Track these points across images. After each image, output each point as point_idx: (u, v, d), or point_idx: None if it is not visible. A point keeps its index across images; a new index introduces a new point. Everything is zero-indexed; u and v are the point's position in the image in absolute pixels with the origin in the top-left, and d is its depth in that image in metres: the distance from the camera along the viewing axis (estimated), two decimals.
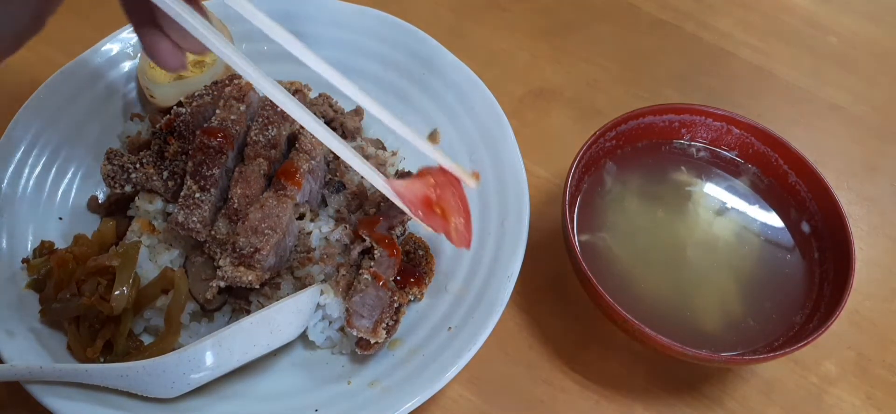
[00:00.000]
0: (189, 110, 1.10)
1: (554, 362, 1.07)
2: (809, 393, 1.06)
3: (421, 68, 1.26)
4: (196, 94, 1.14)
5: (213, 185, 1.02)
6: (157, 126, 1.12)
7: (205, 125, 1.07)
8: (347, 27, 1.29)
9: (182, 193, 1.01)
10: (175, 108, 1.15)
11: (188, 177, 1.02)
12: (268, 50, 1.30)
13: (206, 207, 1.01)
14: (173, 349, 0.97)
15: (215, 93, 1.12)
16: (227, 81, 1.14)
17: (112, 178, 1.06)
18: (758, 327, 1.01)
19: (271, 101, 1.10)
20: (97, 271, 0.98)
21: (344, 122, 1.21)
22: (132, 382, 0.92)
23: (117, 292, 0.96)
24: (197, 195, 1.01)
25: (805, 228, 1.10)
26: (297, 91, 1.17)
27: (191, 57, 1.22)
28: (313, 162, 1.06)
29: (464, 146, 1.19)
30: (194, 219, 1.00)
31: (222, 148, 1.03)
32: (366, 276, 1.00)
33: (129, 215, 1.09)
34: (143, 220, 1.05)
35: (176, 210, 1.01)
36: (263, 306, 1.00)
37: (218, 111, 1.08)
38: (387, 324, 0.98)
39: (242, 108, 1.09)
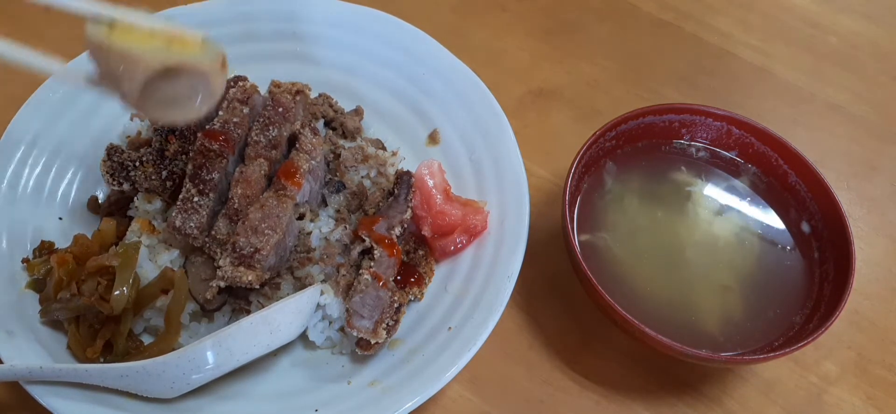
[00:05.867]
0: None
1: (554, 362, 1.07)
2: (809, 393, 1.06)
3: (421, 68, 1.26)
4: None
5: (211, 190, 1.02)
6: (158, 124, 1.12)
7: (206, 126, 1.07)
8: (347, 27, 1.29)
9: (180, 196, 1.01)
10: None
11: (187, 179, 1.02)
12: (268, 50, 1.30)
13: (204, 213, 1.00)
14: (173, 349, 0.97)
15: None
16: (231, 82, 1.13)
17: (111, 174, 1.06)
18: (758, 327, 1.01)
19: (273, 102, 1.10)
20: (97, 271, 0.98)
21: (344, 122, 1.21)
22: (132, 382, 0.92)
23: (117, 292, 0.96)
24: (195, 199, 1.01)
25: (805, 227, 1.10)
26: (298, 91, 1.17)
27: None
28: (313, 162, 1.06)
29: (464, 146, 1.19)
30: (191, 224, 1.00)
31: (223, 152, 1.03)
32: (366, 276, 1.00)
33: (129, 215, 1.09)
34: (143, 220, 1.05)
35: (173, 213, 1.00)
36: (263, 306, 1.00)
37: (220, 113, 1.08)
38: (387, 324, 0.98)
39: (245, 110, 1.08)
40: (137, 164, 1.06)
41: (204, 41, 0.83)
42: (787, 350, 0.94)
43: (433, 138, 1.23)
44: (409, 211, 1.08)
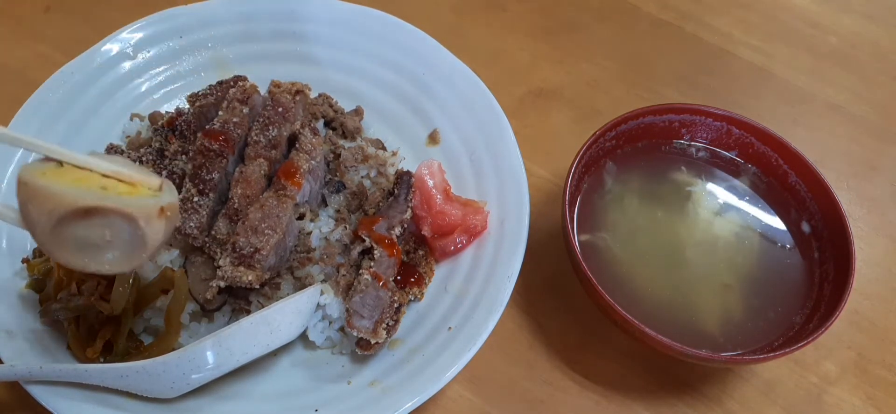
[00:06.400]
0: (192, 110, 1.10)
1: (554, 362, 1.07)
2: (809, 393, 1.06)
3: (421, 68, 1.26)
4: (200, 92, 1.13)
5: (211, 190, 1.02)
6: (160, 123, 1.12)
7: (206, 127, 1.07)
8: (347, 27, 1.29)
9: (180, 196, 1.01)
10: (178, 106, 1.15)
11: (187, 179, 1.02)
12: (268, 50, 1.31)
13: (204, 213, 1.00)
14: (173, 349, 0.97)
15: (219, 93, 1.12)
16: (231, 82, 1.13)
17: None
18: (758, 327, 1.01)
19: (273, 102, 1.10)
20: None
21: (344, 122, 1.21)
22: (132, 382, 0.92)
23: (118, 291, 0.96)
24: (195, 199, 1.01)
25: (805, 227, 1.10)
26: (298, 91, 1.17)
27: None
28: (313, 162, 1.06)
29: (464, 146, 1.19)
30: (191, 224, 1.00)
31: (223, 152, 1.03)
32: (366, 276, 1.00)
33: None
34: None
35: None
36: (263, 306, 1.00)
37: (221, 113, 1.08)
38: (387, 324, 0.98)
39: (245, 110, 1.08)
40: (137, 163, 1.06)
41: (162, 186, 0.74)
42: (787, 350, 0.94)
43: (433, 138, 1.23)
44: (409, 211, 1.08)
